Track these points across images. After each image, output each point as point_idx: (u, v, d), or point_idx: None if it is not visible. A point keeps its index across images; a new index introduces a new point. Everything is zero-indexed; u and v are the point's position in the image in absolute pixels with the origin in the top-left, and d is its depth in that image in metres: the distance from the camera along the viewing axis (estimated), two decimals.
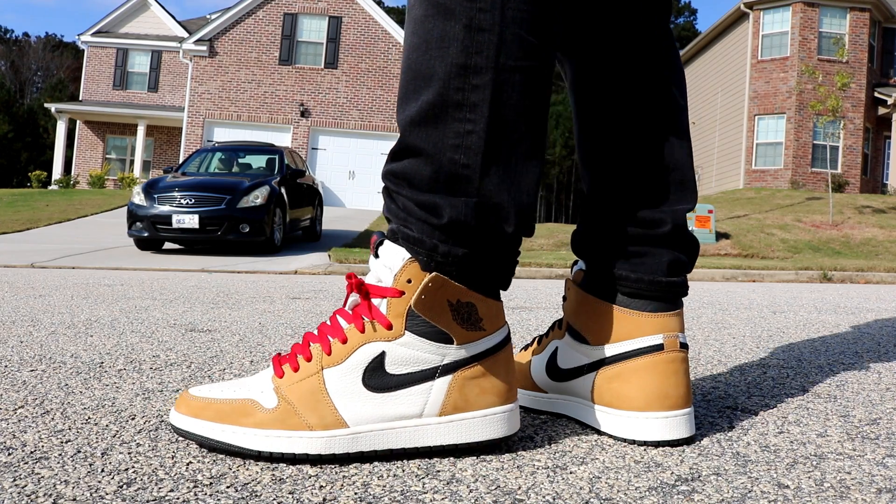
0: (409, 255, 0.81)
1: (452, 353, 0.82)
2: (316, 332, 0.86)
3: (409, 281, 0.80)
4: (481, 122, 0.80)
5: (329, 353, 0.82)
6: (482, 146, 0.80)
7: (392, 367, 0.81)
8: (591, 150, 0.99)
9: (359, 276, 0.82)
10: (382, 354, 0.81)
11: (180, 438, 0.88)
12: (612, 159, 0.96)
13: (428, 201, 0.81)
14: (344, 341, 0.82)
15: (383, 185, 0.85)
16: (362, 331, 0.81)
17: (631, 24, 0.95)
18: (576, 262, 1.02)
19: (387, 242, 0.83)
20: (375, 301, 0.82)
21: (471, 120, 0.80)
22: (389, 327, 0.81)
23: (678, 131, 0.96)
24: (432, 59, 0.79)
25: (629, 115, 0.95)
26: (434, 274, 0.80)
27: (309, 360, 0.82)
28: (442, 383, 0.81)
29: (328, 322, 0.85)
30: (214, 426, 0.80)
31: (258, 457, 0.79)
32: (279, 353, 0.85)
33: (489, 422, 0.82)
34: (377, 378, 0.81)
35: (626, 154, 0.95)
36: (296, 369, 0.82)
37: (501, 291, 0.88)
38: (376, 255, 0.84)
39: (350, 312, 0.84)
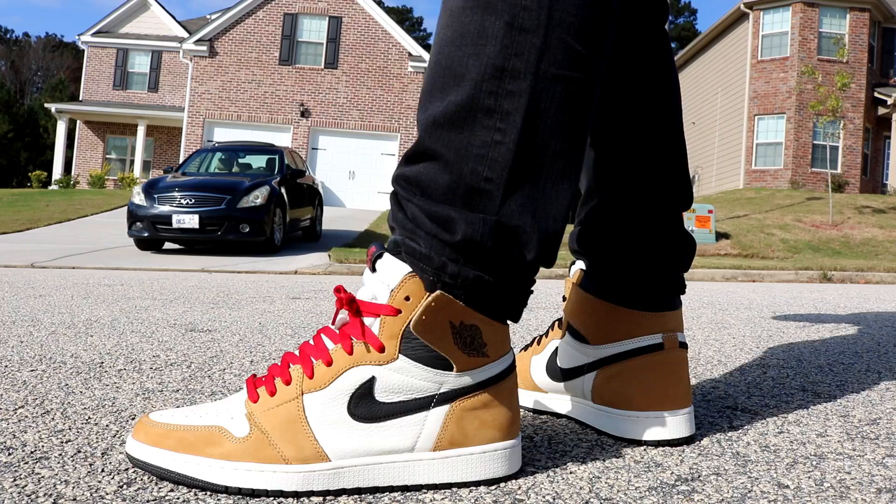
0: (410, 270, 0.72)
1: (451, 380, 0.73)
2: (297, 352, 0.78)
3: (408, 298, 0.72)
4: (512, 133, 0.71)
5: (311, 377, 0.73)
6: (510, 160, 0.72)
7: (382, 395, 0.72)
8: (593, 151, 0.99)
9: (348, 291, 0.74)
10: (372, 380, 0.72)
11: None
12: (612, 160, 0.96)
13: (441, 213, 0.72)
14: (329, 363, 0.73)
15: (392, 189, 0.77)
16: (350, 352, 0.73)
17: (637, 25, 0.94)
18: (573, 262, 1.02)
19: (387, 256, 0.74)
20: (368, 320, 0.73)
21: (501, 129, 0.71)
22: (381, 349, 0.72)
23: (674, 130, 0.96)
24: (466, 56, 0.71)
25: (628, 116, 0.94)
26: (438, 292, 0.72)
27: (288, 383, 0.73)
28: (438, 414, 0.73)
29: (311, 342, 0.76)
30: (176, 457, 0.71)
31: (226, 492, 0.70)
32: (254, 375, 0.78)
33: (489, 459, 0.74)
34: (365, 406, 0.72)
35: (626, 155, 0.95)
36: (272, 393, 0.73)
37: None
38: (373, 269, 0.75)
39: (337, 332, 0.75)
